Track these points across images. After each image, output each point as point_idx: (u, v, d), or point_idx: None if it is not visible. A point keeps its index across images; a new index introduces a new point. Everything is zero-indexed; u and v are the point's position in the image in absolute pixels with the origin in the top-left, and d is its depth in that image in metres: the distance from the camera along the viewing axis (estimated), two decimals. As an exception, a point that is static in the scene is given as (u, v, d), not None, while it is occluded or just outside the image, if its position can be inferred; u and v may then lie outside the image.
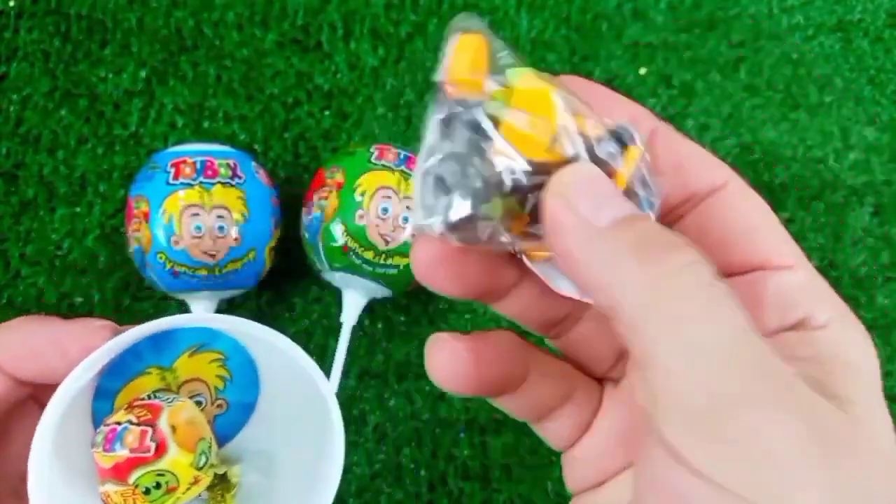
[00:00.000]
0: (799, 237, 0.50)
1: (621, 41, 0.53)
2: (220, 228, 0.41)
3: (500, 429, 0.47)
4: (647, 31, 0.53)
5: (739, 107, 0.52)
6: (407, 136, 0.51)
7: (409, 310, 0.48)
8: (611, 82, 0.52)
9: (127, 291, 0.48)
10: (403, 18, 0.53)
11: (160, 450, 0.20)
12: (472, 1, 0.53)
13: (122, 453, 0.20)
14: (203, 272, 0.42)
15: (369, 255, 0.42)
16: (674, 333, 0.15)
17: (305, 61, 0.52)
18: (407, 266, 0.43)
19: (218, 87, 0.51)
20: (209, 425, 0.23)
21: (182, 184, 0.41)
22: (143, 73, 0.51)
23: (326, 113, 0.51)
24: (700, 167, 0.20)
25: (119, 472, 0.20)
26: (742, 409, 0.14)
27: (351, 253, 0.42)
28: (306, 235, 0.44)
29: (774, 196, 0.50)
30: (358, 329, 0.48)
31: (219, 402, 0.20)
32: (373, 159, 0.42)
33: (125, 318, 0.48)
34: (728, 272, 0.19)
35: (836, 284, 0.49)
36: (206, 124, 0.51)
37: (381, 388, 0.47)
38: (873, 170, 0.51)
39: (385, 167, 0.42)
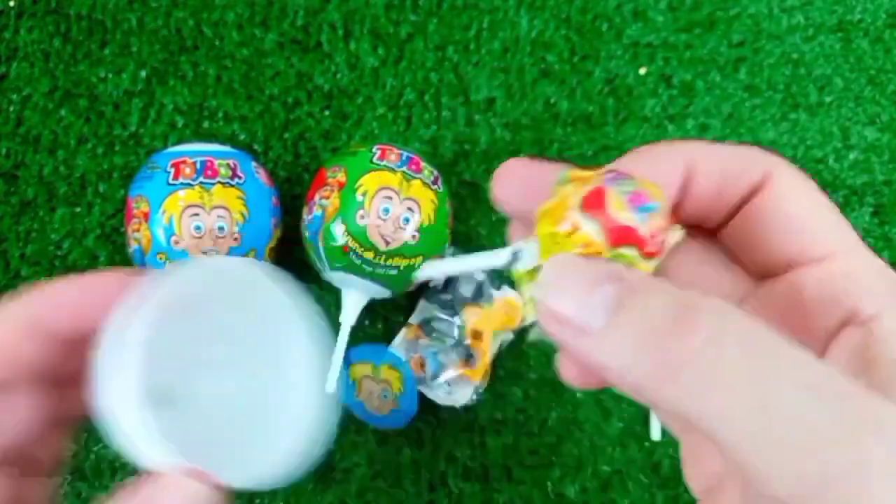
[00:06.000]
0: (799, 237, 0.50)
1: (621, 41, 0.53)
2: (220, 228, 0.41)
3: (500, 429, 0.47)
4: (647, 31, 0.53)
5: (739, 107, 0.52)
6: (407, 135, 0.51)
7: (409, 310, 0.48)
8: (611, 82, 0.52)
9: (127, 291, 0.48)
10: (403, 18, 0.53)
11: (658, 252, 0.17)
12: (472, 1, 0.53)
13: (646, 226, 0.17)
14: (203, 272, 0.42)
15: (370, 255, 0.42)
16: (736, 419, 0.14)
17: (305, 61, 0.52)
18: (407, 266, 0.43)
19: (218, 87, 0.51)
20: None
21: (182, 184, 0.41)
22: (143, 73, 0.51)
23: (326, 113, 0.51)
24: (740, 168, 0.18)
25: (620, 240, 0.17)
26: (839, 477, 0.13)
27: (351, 253, 0.42)
28: (307, 235, 0.44)
29: (774, 196, 0.50)
30: (358, 329, 0.48)
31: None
32: (375, 160, 0.42)
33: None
34: (773, 272, 0.18)
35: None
36: (206, 124, 0.51)
37: (382, 388, 0.47)
38: (873, 170, 0.51)
39: (387, 168, 0.42)
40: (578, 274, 0.16)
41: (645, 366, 0.15)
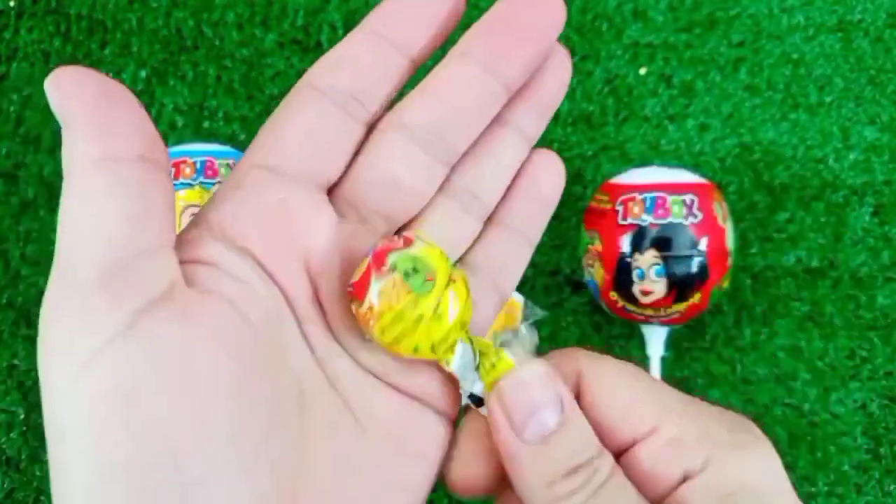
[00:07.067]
0: (799, 237, 0.50)
1: (621, 41, 0.53)
2: (221, 228, 0.41)
3: (501, 429, 0.47)
4: (647, 31, 0.53)
5: (739, 107, 0.52)
6: (407, 136, 0.51)
7: (409, 310, 0.48)
8: (611, 82, 0.52)
9: (127, 291, 0.48)
10: (403, 18, 0.53)
11: (407, 242, 0.21)
12: (473, 1, 0.53)
13: (374, 247, 0.21)
14: (203, 272, 0.42)
15: (369, 255, 0.42)
16: None
17: (305, 61, 0.52)
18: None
19: (218, 87, 0.51)
20: None
21: (182, 184, 0.41)
22: (143, 73, 0.51)
23: (326, 113, 0.51)
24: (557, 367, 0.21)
25: (377, 260, 0.20)
26: None
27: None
28: (306, 235, 0.44)
29: (774, 196, 0.50)
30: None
31: None
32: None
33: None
34: (621, 450, 0.20)
35: (836, 284, 0.49)
36: (206, 124, 0.51)
37: (382, 388, 0.47)
38: (873, 170, 0.51)
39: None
40: (545, 388, 0.20)
41: (536, 487, 0.19)
